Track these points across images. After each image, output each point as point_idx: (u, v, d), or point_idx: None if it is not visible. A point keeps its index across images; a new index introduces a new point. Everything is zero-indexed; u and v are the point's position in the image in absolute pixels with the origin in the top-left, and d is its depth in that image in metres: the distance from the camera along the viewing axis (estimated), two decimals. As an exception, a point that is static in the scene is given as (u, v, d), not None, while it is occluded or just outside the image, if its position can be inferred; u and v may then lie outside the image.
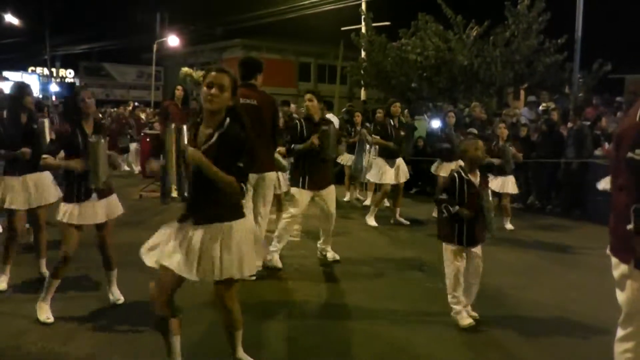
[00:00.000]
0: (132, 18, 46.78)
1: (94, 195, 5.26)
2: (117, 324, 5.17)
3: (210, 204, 3.79)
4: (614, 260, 3.50)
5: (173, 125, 3.63)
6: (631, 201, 3.14)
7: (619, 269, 3.45)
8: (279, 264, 7.14)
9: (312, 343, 4.99)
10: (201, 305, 5.38)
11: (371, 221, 10.17)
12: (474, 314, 5.45)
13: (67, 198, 5.26)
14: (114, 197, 5.52)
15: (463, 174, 5.30)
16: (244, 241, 3.85)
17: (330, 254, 7.66)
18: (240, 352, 4.22)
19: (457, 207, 5.18)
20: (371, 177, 10.56)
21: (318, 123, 7.26)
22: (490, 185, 9.29)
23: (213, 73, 3.79)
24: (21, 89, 6.15)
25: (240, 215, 3.91)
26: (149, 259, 3.80)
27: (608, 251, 3.51)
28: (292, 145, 7.22)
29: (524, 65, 17.71)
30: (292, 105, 12.83)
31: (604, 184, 7.95)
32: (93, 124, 5.36)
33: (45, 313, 5.20)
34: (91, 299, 5.72)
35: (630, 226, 3.13)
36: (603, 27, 24.36)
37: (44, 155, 5.18)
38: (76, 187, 5.21)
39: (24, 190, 6.03)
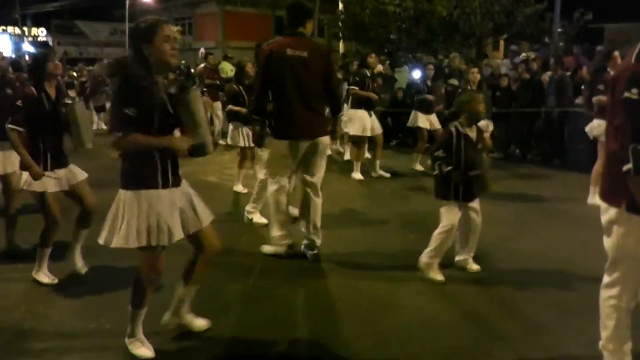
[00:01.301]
0: (104, -27, 45.77)
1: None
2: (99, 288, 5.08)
3: (176, 164, 3.76)
4: (602, 205, 3.48)
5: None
6: (628, 142, 3.09)
7: (607, 214, 3.44)
8: (264, 220, 7.01)
9: (293, 299, 4.93)
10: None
11: (357, 175, 10.06)
12: (476, 266, 5.42)
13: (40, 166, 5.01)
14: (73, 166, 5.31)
15: (460, 129, 5.10)
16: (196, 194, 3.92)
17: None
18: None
19: (450, 168, 5.01)
20: (353, 130, 10.22)
21: None
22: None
23: (171, 27, 3.62)
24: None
25: None
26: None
27: (589, 200, 3.48)
28: None
29: (503, 15, 17.53)
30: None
31: (594, 130, 7.95)
32: (55, 87, 5.15)
33: (46, 277, 5.17)
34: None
35: (627, 166, 3.08)
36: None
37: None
38: (49, 155, 5.04)
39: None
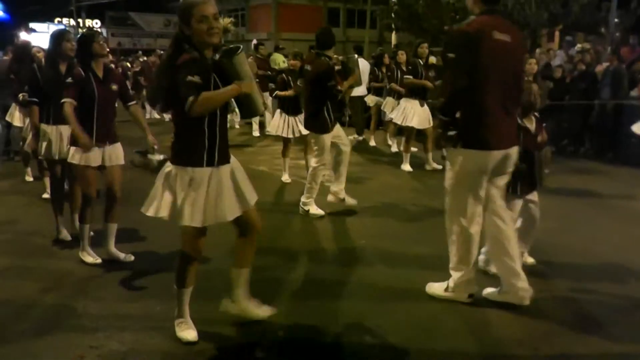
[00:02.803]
0: (158, -35, 46.40)
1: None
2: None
3: (225, 143, 3.82)
4: None
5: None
6: None
7: None
8: (320, 212, 7.10)
9: (336, 286, 4.97)
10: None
11: (407, 167, 10.02)
12: (531, 259, 5.39)
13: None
14: (119, 145, 5.47)
15: (519, 121, 4.92)
16: (244, 174, 3.98)
17: (348, 199, 7.38)
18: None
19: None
20: (396, 119, 10.26)
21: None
22: None
23: (209, 5, 3.59)
24: (59, 35, 5.88)
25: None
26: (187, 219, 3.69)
27: None
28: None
29: (558, 5, 17.18)
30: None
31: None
32: (103, 68, 5.31)
33: (90, 257, 5.38)
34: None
35: None
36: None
37: None
38: (96, 134, 5.22)
39: (59, 140, 5.96)
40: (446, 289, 4.64)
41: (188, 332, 3.93)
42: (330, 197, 7.25)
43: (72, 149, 5.21)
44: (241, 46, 3.74)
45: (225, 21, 3.74)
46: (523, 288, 4.46)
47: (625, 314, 4.43)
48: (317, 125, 7.04)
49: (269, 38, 34.90)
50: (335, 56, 7.34)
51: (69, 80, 5.15)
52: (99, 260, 5.35)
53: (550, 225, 6.50)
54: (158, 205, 3.71)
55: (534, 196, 5.21)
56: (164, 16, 48.53)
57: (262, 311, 4.18)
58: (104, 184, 5.43)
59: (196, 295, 4.04)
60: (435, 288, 4.73)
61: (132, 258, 5.47)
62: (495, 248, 4.59)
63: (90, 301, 4.58)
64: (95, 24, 49.54)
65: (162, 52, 28.29)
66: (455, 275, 4.59)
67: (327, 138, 7.01)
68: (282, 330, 4.17)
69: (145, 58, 22.31)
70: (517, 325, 4.29)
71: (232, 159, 3.90)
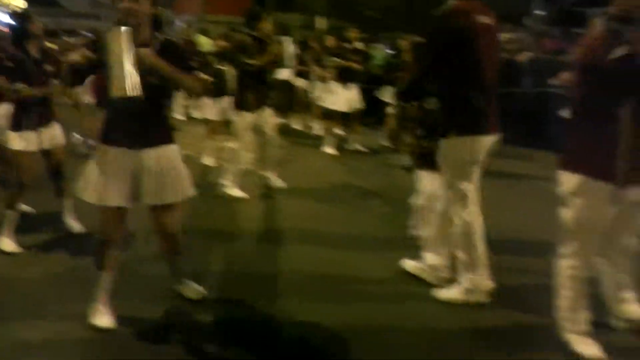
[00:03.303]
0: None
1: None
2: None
3: (147, 126, 3.65)
4: (563, 175, 3.54)
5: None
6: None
7: (567, 184, 3.51)
8: (240, 193, 6.96)
9: (258, 269, 4.88)
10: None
11: (329, 149, 10.04)
12: None
13: (18, 126, 5.00)
14: (57, 126, 5.28)
15: None
16: (179, 164, 3.80)
17: (275, 180, 7.42)
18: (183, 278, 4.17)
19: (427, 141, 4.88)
20: (324, 102, 10.32)
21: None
22: None
23: None
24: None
25: (171, 140, 3.81)
26: (89, 196, 3.63)
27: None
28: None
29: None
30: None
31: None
32: (39, 48, 5.13)
33: (8, 245, 4.99)
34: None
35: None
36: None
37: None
38: (32, 114, 5.02)
39: None
40: (464, 292, 4.28)
41: (99, 318, 3.75)
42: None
43: (10, 133, 5.00)
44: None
45: None
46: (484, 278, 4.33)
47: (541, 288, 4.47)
48: (239, 103, 6.93)
49: (194, 20, 34.17)
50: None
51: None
52: (19, 250, 4.98)
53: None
54: (84, 187, 3.64)
55: None
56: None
57: (192, 292, 4.16)
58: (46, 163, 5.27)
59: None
60: (451, 293, 4.34)
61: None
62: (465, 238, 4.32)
63: (8, 288, 4.32)
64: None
65: (88, 34, 27.45)
66: (468, 276, 4.27)
67: (248, 117, 6.88)
68: (206, 313, 4.06)
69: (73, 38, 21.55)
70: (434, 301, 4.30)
71: (168, 148, 3.76)
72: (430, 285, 4.49)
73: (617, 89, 3.26)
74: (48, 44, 17.17)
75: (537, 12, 16.66)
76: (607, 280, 3.82)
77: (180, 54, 3.72)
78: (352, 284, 4.61)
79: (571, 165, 3.50)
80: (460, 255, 4.28)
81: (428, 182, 4.82)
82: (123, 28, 3.37)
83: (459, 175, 4.24)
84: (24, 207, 5.47)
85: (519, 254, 5.28)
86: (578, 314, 3.61)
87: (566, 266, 3.60)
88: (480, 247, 4.23)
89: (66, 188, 5.30)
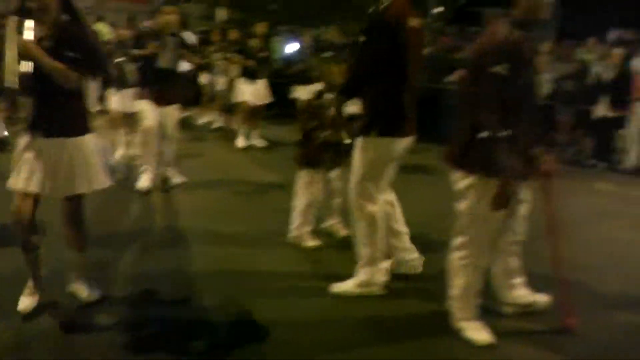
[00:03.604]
0: None
1: None
2: None
3: (59, 116, 3.67)
4: (457, 173, 3.73)
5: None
6: (486, 112, 3.42)
7: (461, 180, 3.69)
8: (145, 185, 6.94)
9: (154, 268, 4.87)
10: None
11: (241, 142, 10.08)
12: (345, 231, 5.50)
13: None
14: None
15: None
16: (92, 156, 3.80)
17: (176, 177, 7.38)
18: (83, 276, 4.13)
19: (327, 134, 5.17)
20: (230, 96, 10.46)
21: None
22: None
23: None
24: None
25: (87, 130, 3.81)
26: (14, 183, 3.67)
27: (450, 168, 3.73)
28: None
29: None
30: (148, 22, 12.10)
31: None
32: None
33: None
34: None
35: (483, 134, 3.42)
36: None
37: None
38: None
39: None
40: (360, 285, 4.42)
41: (24, 299, 3.85)
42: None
43: None
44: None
45: None
46: (415, 258, 4.70)
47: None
48: (142, 95, 6.94)
49: (93, 7, 32.98)
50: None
51: None
52: None
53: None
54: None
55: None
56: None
57: (87, 294, 4.11)
58: None
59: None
60: (347, 286, 4.45)
61: None
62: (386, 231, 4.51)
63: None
64: None
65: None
66: (367, 269, 4.40)
67: (146, 105, 6.87)
68: (109, 314, 4.04)
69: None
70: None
71: (84, 138, 3.77)
72: (327, 280, 4.60)
73: (503, 96, 3.43)
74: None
75: (435, 10, 17.14)
76: (496, 267, 4.04)
77: (83, 40, 3.70)
78: (246, 280, 4.67)
79: (464, 163, 3.67)
80: (361, 248, 4.41)
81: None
82: (12, 17, 3.42)
83: (372, 174, 4.30)
84: None
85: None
86: (469, 302, 3.81)
87: (458, 257, 3.78)
88: (382, 242, 4.39)
89: None
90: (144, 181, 6.92)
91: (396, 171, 4.46)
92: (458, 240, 3.79)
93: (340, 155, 5.27)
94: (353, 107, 4.70)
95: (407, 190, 7.40)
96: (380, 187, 4.35)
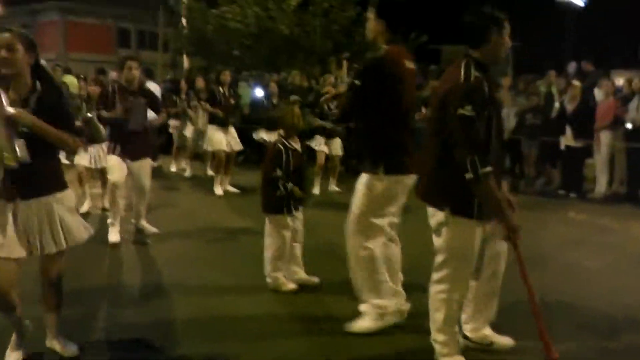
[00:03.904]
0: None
1: None
2: None
3: (36, 176, 3.62)
4: (430, 209, 3.81)
5: None
6: (465, 154, 3.47)
7: (435, 216, 3.76)
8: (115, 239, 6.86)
9: (128, 317, 4.83)
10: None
11: (218, 190, 10.08)
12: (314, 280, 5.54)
13: None
14: None
15: (287, 143, 5.34)
16: (70, 210, 3.80)
17: (147, 227, 7.32)
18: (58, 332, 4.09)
19: (290, 185, 5.26)
20: (206, 145, 10.49)
21: (134, 92, 6.91)
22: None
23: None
24: None
25: (63, 186, 3.80)
26: None
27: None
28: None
29: (342, 35, 18.14)
30: (113, 73, 12.12)
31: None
32: None
33: None
34: None
35: (468, 175, 3.46)
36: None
37: None
38: None
39: None
40: (375, 318, 4.46)
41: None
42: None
43: None
44: None
45: None
46: (403, 304, 4.60)
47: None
48: (113, 150, 6.89)
49: (57, 58, 32.92)
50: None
51: None
52: None
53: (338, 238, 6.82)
54: None
55: (299, 213, 5.54)
56: None
57: (63, 350, 4.04)
58: None
59: None
60: (364, 324, 4.48)
61: None
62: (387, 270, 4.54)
63: None
64: None
65: None
66: (375, 302, 4.46)
67: (116, 161, 6.85)
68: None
69: None
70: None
71: (59, 195, 3.74)
72: (304, 322, 4.69)
73: (473, 136, 3.52)
74: None
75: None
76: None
77: (60, 106, 3.70)
78: (225, 327, 4.65)
79: (433, 200, 3.77)
80: (362, 281, 4.48)
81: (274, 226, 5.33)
82: None
83: (374, 210, 4.38)
84: None
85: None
86: (452, 337, 3.85)
87: (437, 290, 3.82)
88: (383, 275, 4.45)
89: None
90: (113, 235, 6.86)
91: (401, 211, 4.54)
92: (437, 275, 3.83)
93: (300, 202, 5.46)
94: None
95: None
96: (380, 225, 4.42)
